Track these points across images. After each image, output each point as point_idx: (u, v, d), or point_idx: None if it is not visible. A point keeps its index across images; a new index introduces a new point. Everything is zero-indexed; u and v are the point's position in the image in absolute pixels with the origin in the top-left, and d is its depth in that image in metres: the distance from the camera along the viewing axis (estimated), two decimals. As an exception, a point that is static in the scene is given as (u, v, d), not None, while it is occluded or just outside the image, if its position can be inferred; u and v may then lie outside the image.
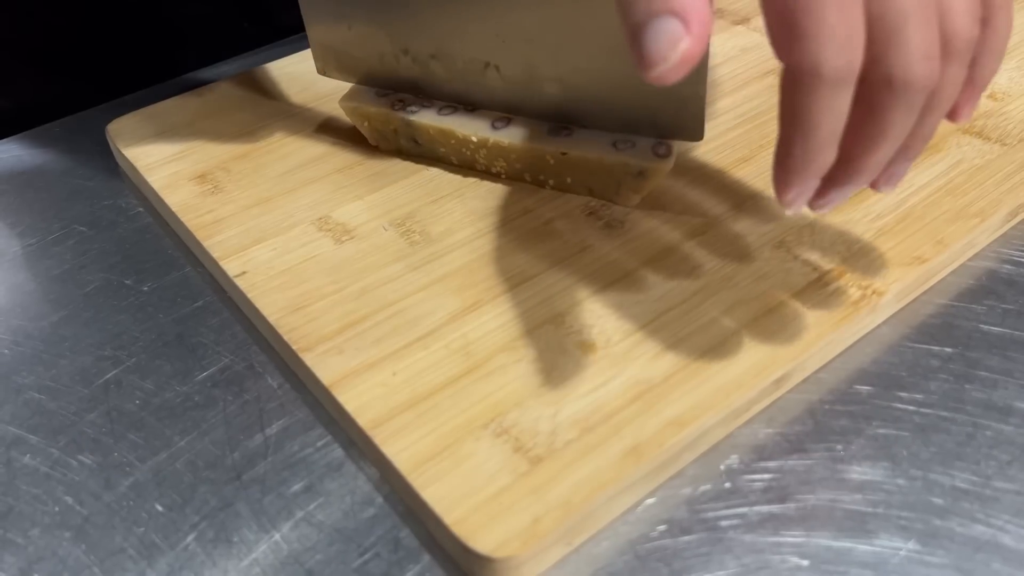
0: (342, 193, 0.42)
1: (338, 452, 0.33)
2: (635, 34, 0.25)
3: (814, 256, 0.37)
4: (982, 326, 0.36)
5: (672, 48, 0.24)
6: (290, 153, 0.45)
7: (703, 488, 0.31)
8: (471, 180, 0.42)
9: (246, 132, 0.46)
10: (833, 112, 0.27)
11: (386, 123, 0.43)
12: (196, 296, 0.40)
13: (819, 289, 0.36)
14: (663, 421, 0.31)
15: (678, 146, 0.39)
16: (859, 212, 0.39)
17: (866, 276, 0.36)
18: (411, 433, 0.31)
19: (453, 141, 0.42)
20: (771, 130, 0.44)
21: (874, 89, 0.27)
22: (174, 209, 0.41)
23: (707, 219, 0.39)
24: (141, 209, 0.45)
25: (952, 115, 0.30)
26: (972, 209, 0.39)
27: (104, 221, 0.44)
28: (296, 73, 0.50)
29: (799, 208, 0.30)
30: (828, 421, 0.33)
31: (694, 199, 0.41)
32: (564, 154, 0.40)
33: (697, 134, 0.38)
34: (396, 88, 0.43)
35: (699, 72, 0.36)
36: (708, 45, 0.26)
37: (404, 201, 0.41)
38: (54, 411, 0.35)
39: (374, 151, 0.44)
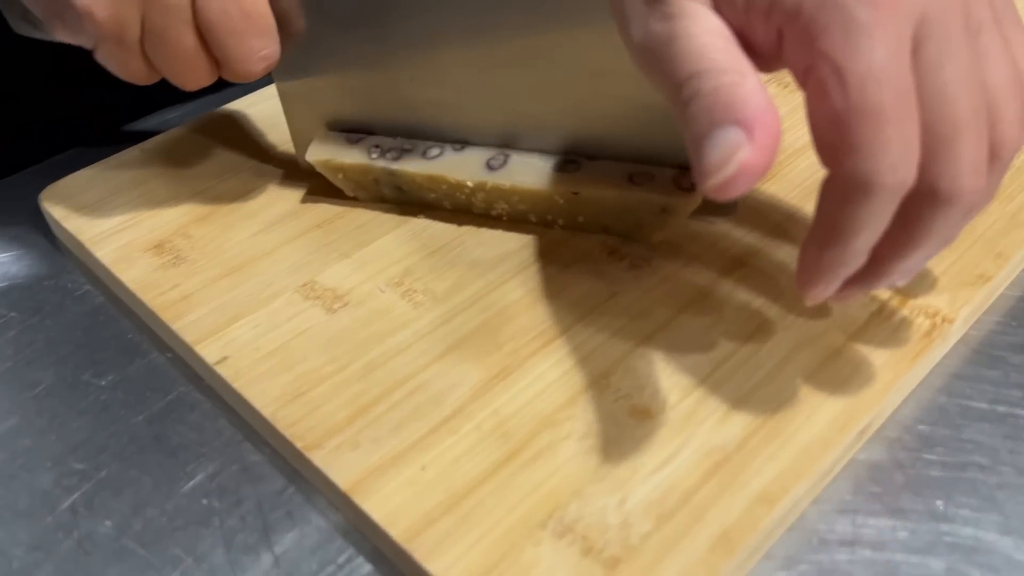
0: (325, 252, 0.37)
1: (366, 569, 0.28)
2: (696, 144, 0.23)
3: (869, 283, 0.33)
4: (1058, 345, 0.33)
5: (731, 158, 0.22)
6: (258, 210, 0.39)
7: (801, 569, 0.27)
8: (468, 227, 0.38)
9: (203, 189, 0.40)
10: (875, 225, 0.24)
11: (365, 174, 0.38)
12: (168, 388, 0.34)
13: (883, 322, 0.32)
14: (750, 498, 0.27)
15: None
16: (904, 228, 0.36)
17: (930, 302, 0.33)
18: (456, 543, 0.26)
19: (444, 187, 0.37)
20: (795, 139, 0.41)
21: (917, 199, 0.24)
22: (131, 287, 0.36)
23: (741, 249, 0.35)
24: (89, 288, 0.39)
25: None
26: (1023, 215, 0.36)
27: (47, 305, 0.38)
28: (254, 115, 0.45)
29: (819, 301, 0.27)
30: (919, 472, 0.29)
31: (722, 228, 0.37)
32: (575, 193, 0.35)
33: None
34: (372, 128, 0.38)
35: None
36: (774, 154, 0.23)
37: (398, 256, 0.36)
38: (10, 548, 0.29)
39: (354, 200, 0.39)
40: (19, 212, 0.43)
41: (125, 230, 0.38)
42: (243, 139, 0.43)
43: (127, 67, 0.33)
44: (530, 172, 0.36)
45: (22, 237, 0.41)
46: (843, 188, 0.23)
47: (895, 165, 0.23)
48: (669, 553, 0.25)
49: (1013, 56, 0.25)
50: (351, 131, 0.38)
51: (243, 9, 0.32)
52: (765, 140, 0.22)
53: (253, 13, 0.32)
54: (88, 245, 0.38)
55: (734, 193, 0.22)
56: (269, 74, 0.36)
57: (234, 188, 0.40)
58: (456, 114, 0.37)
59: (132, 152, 0.43)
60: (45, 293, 0.38)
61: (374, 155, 0.37)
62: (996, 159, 0.25)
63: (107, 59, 0.33)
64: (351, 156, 0.37)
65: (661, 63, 0.24)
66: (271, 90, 0.46)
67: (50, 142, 0.48)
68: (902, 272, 0.27)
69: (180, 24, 0.31)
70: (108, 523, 0.30)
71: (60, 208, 0.40)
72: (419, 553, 0.26)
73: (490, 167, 0.36)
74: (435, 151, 0.37)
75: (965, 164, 0.24)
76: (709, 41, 0.23)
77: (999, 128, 0.24)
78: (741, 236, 0.36)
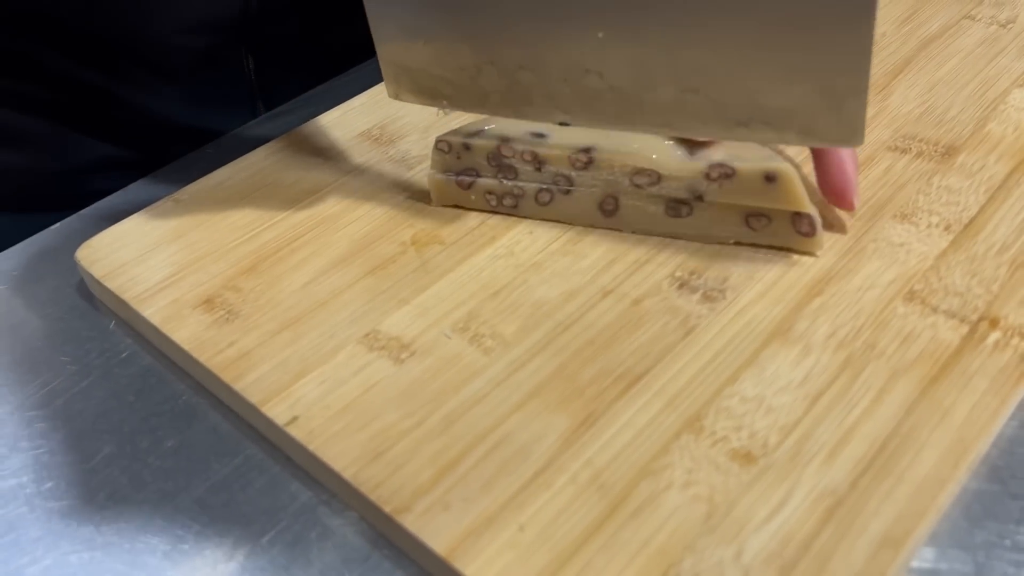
0: (383, 299, 0.35)
1: (471, 637, 0.26)
2: None
3: (954, 304, 0.32)
4: None
5: None
6: (306, 258, 0.38)
7: (928, 615, 0.26)
8: (527, 262, 0.36)
9: (246, 239, 0.39)
10: None
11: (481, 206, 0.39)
12: (233, 452, 0.33)
13: (977, 344, 0.31)
14: (872, 543, 0.25)
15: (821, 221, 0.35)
16: (980, 244, 0.35)
17: (1022, 321, 0.32)
18: (572, 608, 0.25)
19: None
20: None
21: None
22: (185, 347, 0.34)
23: (814, 277, 0.34)
24: (135, 348, 0.37)
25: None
26: (1099, 225, 0.35)
27: (94, 370, 0.36)
28: (285, 160, 0.43)
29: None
30: (1032, 502, 0.28)
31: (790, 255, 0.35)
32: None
33: (856, 137, 0.30)
34: (474, 107, 0.37)
35: (859, 63, 0.29)
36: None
37: (460, 299, 0.35)
38: (90, 638, 0.27)
39: (404, 243, 0.38)
40: (51, 270, 0.41)
41: (170, 286, 0.37)
42: (278, 186, 0.42)
43: None
44: (641, 217, 0.36)
45: (57, 297, 0.40)
46: None
47: None
48: (799, 608, 0.24)
49: None
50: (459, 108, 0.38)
51: None
52: None
53: None
54: (134, 304, 0.36)
55: None
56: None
57: (277, 236, 0.39)
58: (563, 94, 0.34)
59: (166, 203, 0.41)
60: (89, 357, 0.37)
61: (492, 203, 0.39)
62: None
63: None
64: (472, 205, 0.39)
65: None
66: (301, 132, 0.45)
67: (75, 194, 0.46)
68: None
69: None
70: (187, 602, 0.28)
71: (99, 266, 0.38)
72: (532, 621, 0.25)
73: (603, 210, 0.37)
74: (546, 196, 0.37)
75: None
76: None
77: None
78: (811, 263, 0.35)
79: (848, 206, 0.35)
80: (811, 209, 0.34)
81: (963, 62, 0.45)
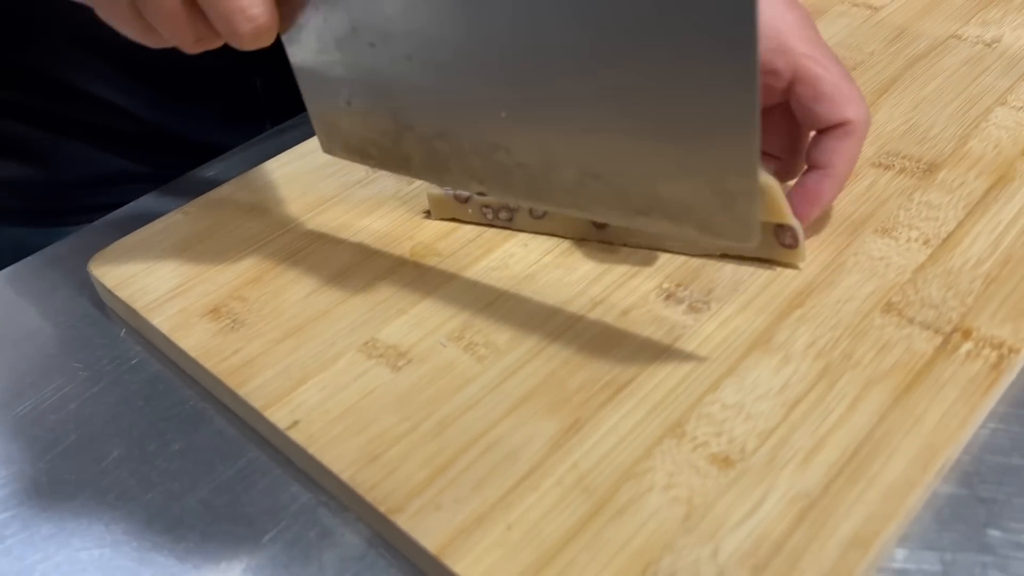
0: (382, 309, 0.37)
1: (461, 631, 0.28)
2: None
3: (929, 316, 0.34)
4: (1122, 369, 0.33)
5: None
6: (309, 270, 0.39)
7: (896, 612, 0.27)
8: (520, 274, 0.38)
9: (251, 251, 0.41)
10: None
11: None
12: (236, 455, 0.34)
13: (950, 355, 0.32)
14: (842, 544, 0.27)
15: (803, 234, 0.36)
16: (956, 258, 0.36)
17: (993, 332, 0.33)
18: (555, 602, 0.26)
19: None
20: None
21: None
22: (192, 354, 0.36)
23: (795, 289, 0.36)
24: (144, 355, 0.39)
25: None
26: (1072, 240, 0.36)
27: (104, 376, 0.38)
28: (291, 174, 0.45)
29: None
30: (1001, 504, 0.29)
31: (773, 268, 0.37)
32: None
33: (750, 236, 0.30)
34: (399, 169, 0.37)
35: (747, 165, 0.28)
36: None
37: (455, 309, 0.37)
38: (100, 630, 0.29)
39: (403, 255, 0.39)
40: (65, 280, 0.43)
41: (178, 296, 0.39)
42: (282, 200, 0.43)
43: (122, 20, 0.32)
44: (632, 232, 0.38)
45: (71, 305, 0.41)
46: (853, 131, 0.35)
47: None
48: (769, 604, 0.26)
49: None
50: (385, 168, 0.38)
51: None
52: None
53: None
54: (144, 313, 0.38)
55: None
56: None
57: (280, 249, 0.41)
58: (476, 166, 0.35)
59: (175, 216, 0.43)
60: (101, 363, 0.38)
61: (489, 216, 0.40)
62: None
63: (105, 14, 0.32)
64: (470, 218, 0.41)
65: None
66: (305, 147, 0.47)
67: (88, 206, 0.48)
68: None
69: None
70: (192, 597, 0.30)
71: (111, 276, 0.40)
72: (517, 615, 0.26)
73: (595, 224, 0.38)
74: (540, 211, 0.39)
75: None
76: None
77: None
78: (793, 275, 0.36)
79: (802, 217, 0.36)
80: (793, 222, 0.35)
81: (948, 80, 0.47)
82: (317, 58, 0.35)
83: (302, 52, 0.35)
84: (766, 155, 0.39)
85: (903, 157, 0.42)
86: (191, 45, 0.32)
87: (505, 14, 0.29)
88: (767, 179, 0.35)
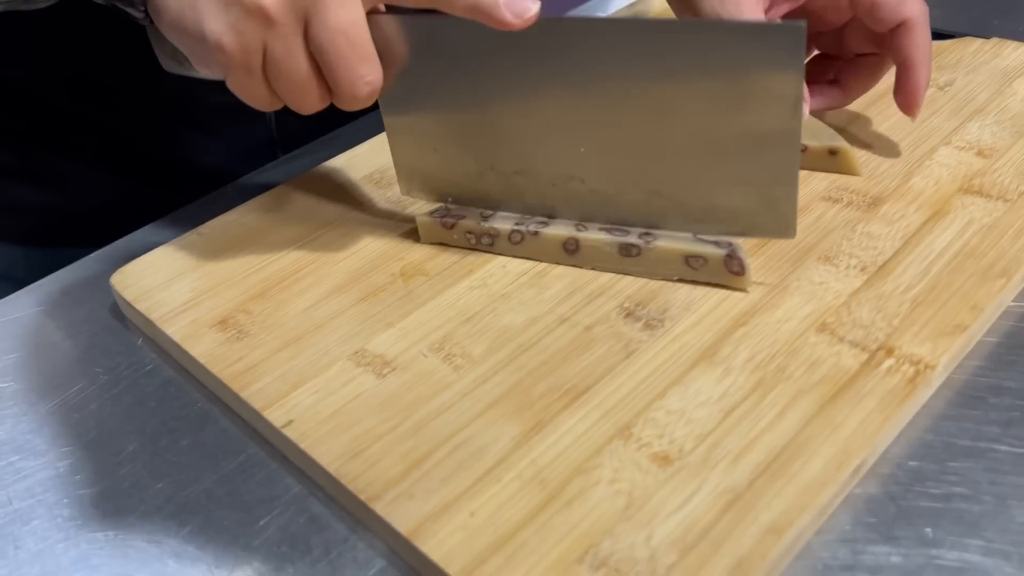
0: (372, 323, 0.41)
1: (427, 604, 0.32)
2: None
3: (858, 335, 0.38)
4: (1031, 386, 0.37)
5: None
6: (308, 287, 0.44)
7: (807, 593, 0.31)
8: (498, 293, 0.42)
9: (257, 269, 0.45)
10: None
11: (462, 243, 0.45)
12: (238, 450, 0.38)
13: (873, 370, 0.36)
14: (760, 531, 0.31)
15: (750, 262, 0.40)
16: (889, 284, 0.40)
17: (914, 351, 0.37)
18: (507, 578, 0.30)
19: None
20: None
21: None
22: (201, 360, 0.40)
23: (740, 311, 0.40)
24: (159, 362, 0.43)
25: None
26: (995, 270, 0.40)
27: (122, 380, 0.42)
28: (296, 200, 0.50)
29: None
30: (910, 503, 0.33)
31: (722, 291, 0.41)
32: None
33: (789, 231, 0.40)
34: (477, 203, 0.44)
35: (790, 174, 0.38)
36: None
37: (437, 324, 0.41)
38: (114, 598, 0.33)
39: (393, 275, 0.44)
40: (88, 294, 0.47)
41: (190, 309, 0.43)
42: (288, 222, 0.48)
43: (253, 93, 0.37)
44: (599, 257, 0.42)
45: (93, 317, 0.46)
46: (915, 25, 0.44)
47: None
48: (692, 581, 0.29)
49: None
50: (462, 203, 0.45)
51: (349, 38, 0.35)
52: None
53: (358, 42, 0.36)
54: (159, 323, 0.42)
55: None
56: (374, 108, 0.42)
57: (284, 267, 0.45)
58: (550, 195, 0.43)
59: (190, 236, 0.48)
60: (119, 369, 0.43)
61: (472, 242, 0.44)
62: None
63: (236, 86, 0.37)
64: (456, 243, 0.45)
65: None
66: (310, 176, 0.51)
67: (108, 228, 0.53)
68: None
69: (296, 51, 0.36)
70: (194, 572, 0.34)
71: (130, 290, 0.44)
72: (474, 588, 0.30)
73: (566, 250, 0.43)
74: (517, 236, 0.43)
75: None
76: None
77: None
78: (741, 297, 0.40)
79: (911, 112, 0.46)
80: (741, 253, 0.40)
81: (900, 121, 0.51)
82: (409, 111, 0.41)
83: (395, 106, 0.41)
84: (831, 82, 0.49)
85: (851, 191, 0.46)
86: (309, 109, 0.38)
87: (588, 66, 0.38)
88: (842, 143, 0.46)
